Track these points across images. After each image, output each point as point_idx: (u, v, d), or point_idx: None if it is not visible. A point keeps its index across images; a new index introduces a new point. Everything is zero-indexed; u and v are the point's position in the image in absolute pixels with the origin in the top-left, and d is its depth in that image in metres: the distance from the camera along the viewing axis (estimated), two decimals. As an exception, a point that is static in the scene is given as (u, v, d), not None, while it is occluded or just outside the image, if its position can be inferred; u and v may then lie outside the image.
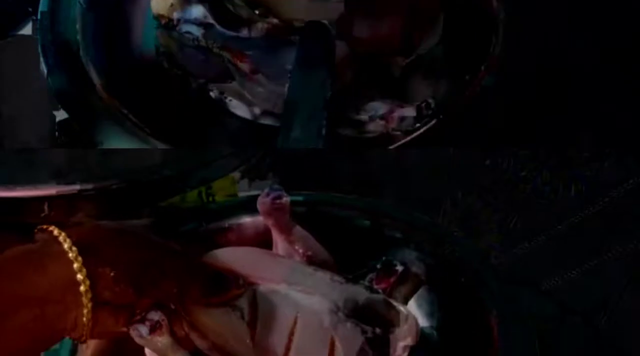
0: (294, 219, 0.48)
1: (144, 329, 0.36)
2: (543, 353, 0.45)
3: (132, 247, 0.34)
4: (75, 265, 0.31)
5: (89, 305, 0.31)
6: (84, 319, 0.32)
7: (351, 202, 0.57)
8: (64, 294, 0.31)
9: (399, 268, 0.48)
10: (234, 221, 0.52)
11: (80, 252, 0.31)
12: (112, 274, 0.32)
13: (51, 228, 0.33)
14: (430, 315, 0.51)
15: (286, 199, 0.46)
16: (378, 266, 0.48)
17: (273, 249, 0.48)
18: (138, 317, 0.37)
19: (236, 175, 0.58)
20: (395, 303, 0.43)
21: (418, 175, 0.65)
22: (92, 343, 0.43)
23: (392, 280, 0.48)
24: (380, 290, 0.47)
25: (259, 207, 0.46)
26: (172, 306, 0.39)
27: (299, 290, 0.40)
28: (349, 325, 0.39)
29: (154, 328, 0.37)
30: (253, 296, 0.39)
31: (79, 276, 0.31)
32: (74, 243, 0.31)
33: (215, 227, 0.52)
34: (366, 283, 0.47)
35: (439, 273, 0.50)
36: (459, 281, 0.48)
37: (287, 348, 0.38)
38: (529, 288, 0.58)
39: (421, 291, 0.50)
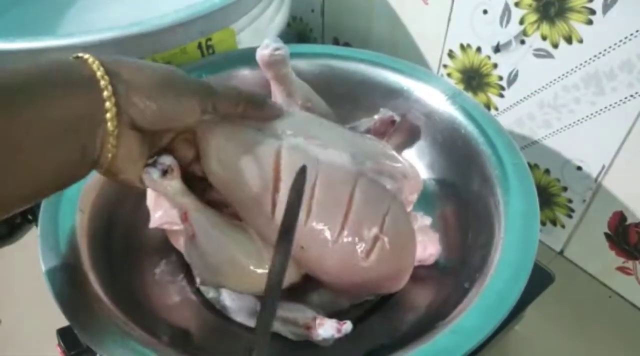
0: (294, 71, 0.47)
1: (155, 172, 0.37)
2: (542, 203, 0.48)
3: (156, 70, 0.34)
4: (102, 83, 0.31)
5: (115, 121, 0.31)
6: (110, 139, 0.32)
7: (352, 53, 0.57)
8: (91, 111, 0.31)
9: (397, 118, 0.49)
10: (233, 73, 0.52)
11: (108, 73, 0.31)
12: (136, 91, 0.32)
13: (86, 56, 0.32)
14: (430, 166, 0.52)
15: (285, 50, 0.45)
16: (376, 116, 0.50)
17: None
18: (150, 161, 0.37)
19: (235, 27, 0.57)
20: (400, 156, 0.44)
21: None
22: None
23: (389, 129, 0.49)
24: (385, 142, 0.48)
25: (258, 59, 0.45)
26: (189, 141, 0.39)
27: (317, 144, 0.40)
28: (368, 177, 0.40)
29: (165, 172, 0.37)
30: (278, 152, 0.39)
31: (105, 93, 0.31)
32: (105, 69, 0.31)
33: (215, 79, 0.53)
34: (366, 133, 0.49)
35: (440, 124, 0.51)
36: (460, 133, 0.49)
37: (310, 200, 0.38)
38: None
39: (421, 142, 0.53)
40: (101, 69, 0.31)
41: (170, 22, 0.51)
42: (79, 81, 0.31)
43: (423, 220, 0.43)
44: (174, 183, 0.38)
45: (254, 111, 0.39)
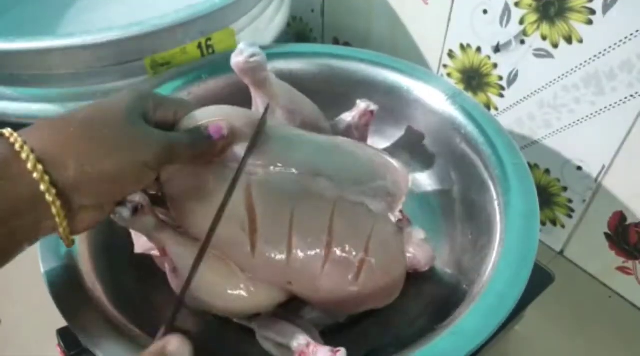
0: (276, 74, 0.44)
1: (125, 211, 0.35)
2: (542, 203, 0.48)
3: (102, 147, 0.31)
4: (43, 187, 0.28)
5: (62, 214, 0.29)
6: (60, 229, 0.30)
7: (352, 53, 0.57)
8: (31, 209, 0.29)
9: (374, 107, 0.48)
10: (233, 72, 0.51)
11: (46, 167, 0.28)
12: (82, 187, 0.30)
13: (8, 134, 0.29)
14: (430, 166, 0.52)
15: (261, 56, 0.42)
16: (354, 110, 0.49)
17: (252, 108, 0.45)
18: (119, 200, 0.35)
19: (235, 27, 0.57)
20: (386, 156, 0.42)
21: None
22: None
23: (370, 120, 0.49)
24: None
25: (232, 65, 0.42)
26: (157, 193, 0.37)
27: (290, 173, 0.37)
28: (348, 201, 0.38)
29: (136, 209, 0.35)
30: (248, 188, 0.36)
31: (48, 198, 0.29)
32: (37, 157, 0.28)
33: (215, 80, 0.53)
34: (348, 128, 0.48)
35: (439, 124, 0.51)
36: (460, 133, 0.49)
37: (290, 236, 0.36)
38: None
39: (421, 142, 0.53)
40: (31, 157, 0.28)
41: (170, 22, 0.51)
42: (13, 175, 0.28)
43: (416, 234, 0.42)
44: (147, 220, 0.37)
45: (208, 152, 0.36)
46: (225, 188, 0.36)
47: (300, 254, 0.36)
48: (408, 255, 0.41)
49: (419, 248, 0.41)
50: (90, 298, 0.36)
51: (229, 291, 0.37)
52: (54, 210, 0.29)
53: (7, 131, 0.30)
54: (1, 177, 0.28)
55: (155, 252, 0.40)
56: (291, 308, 0.41)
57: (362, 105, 0.48)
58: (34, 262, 0.37)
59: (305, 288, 0.38)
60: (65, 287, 0.37)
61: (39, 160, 0.29)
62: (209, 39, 0.55)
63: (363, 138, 0.49)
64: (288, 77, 0.55)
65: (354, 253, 0.37)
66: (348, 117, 0.48)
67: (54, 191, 0.29)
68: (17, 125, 0.54)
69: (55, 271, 0.37)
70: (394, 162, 0.42)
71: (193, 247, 0.37)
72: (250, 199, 0.36)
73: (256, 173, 0.37)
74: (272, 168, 0.38)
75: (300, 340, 0.36)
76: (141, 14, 0.53)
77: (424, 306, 0.42)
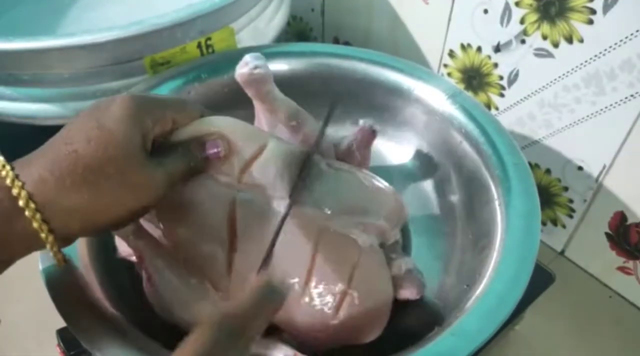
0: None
1: None
2: (543, 203, 0.48)
3: (104, 198, 0.30)
4: (35, 225, 0.28)
5: (54, 247, 0.30)
6: (51, 253, 0.31)
7: (352, 52, 0.56)
8: (22, 240, 0.29)
9: (377, 128, 0.47)
10: (233, 72, 0.51)
11: (42, 214, 0.28)
12: (79, 233, 0.31)
13: (4, 173, 0.29)
14: (430, 166, 0.52)
15: (266, 68, 0.41)
16: (356, 129, 0.47)
17: (255, 121, 0.45)
18: None
19: (235, 26, 0.57)
20: (380, 182, 0.41)
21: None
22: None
23: (372, 140, 0.47)
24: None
25: (236, 76, 0.41)
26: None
27: (279, 196, 0.36)
28: (333, 231, 0.36)
29: None
30: (232, 205, 0.35)
31: (43, 235, 0.29)
32: (29, 196, 0.28)
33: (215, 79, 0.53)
34: (350, 147, 0.46)
35: (440, 123, 0.50)
36: (460, 133, 0.48)
37: (269, 259, 0.34)
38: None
39: (422, 143, 0.53)
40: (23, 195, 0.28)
41: (170, 22, 0.51)
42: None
43: (405, 264, 0.40)
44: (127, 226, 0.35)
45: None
46: (212, 200, 0.35)
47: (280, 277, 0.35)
48: (397, 286, 0.39)
49: (407, 279, 0.40)
50: (89, 298, 0.36)
51: (200, 308, 0.36)
52: (47, 245, 0.30)
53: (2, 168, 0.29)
54: None
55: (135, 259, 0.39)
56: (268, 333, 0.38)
57: (365, 125, 0.47)
58: (34, 262, 0.37)
59: (281, 317, 0.35)
60: (64, 287, 0.36)
61: (35, 205, 0.28)
62: (209, 39, 0.55)
63: (364, 160, 0.47)
64: (288, 77, 0.55)
65: (335, 284, 0.35)
66: (351, 136, 0.47)
67: (51, 238, 0.29)
68: (17, 125, 0.54)
69: (54, 271, 0.37)
70: (391, 195, 0.41)
71: (170, 259, 0.36)
72: (234, 216, 0.35)
73: (243, 190, 0.36)
74: (262, 188, 0.36)
75: (287, 351, 0.35)
76: (141, 13, 0.52)
77: (424, 307, 0.42)
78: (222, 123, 0.36)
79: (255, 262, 0.34)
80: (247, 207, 0.35)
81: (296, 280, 0.35)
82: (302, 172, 0.37)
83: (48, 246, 0.30)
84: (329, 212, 0.37)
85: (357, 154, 0.47)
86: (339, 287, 0.35)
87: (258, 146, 0.37)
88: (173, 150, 0.34)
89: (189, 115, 0.36)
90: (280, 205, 0.36)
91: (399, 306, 0.40)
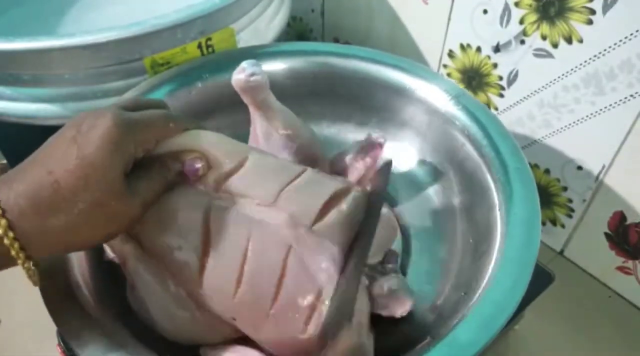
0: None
1: None
2: (543, 203, 0.47)
3: (84, 225, 0.30)
4: (6, 242, 0.29)
5: (27, 265, 0.30)
6: (27, 274, 0.31)
7: (354, 51, 0.56)
8: None
9: (383, 141, 0.45)
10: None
11: (15, 233, 0.29)
12: (52, 251, 0.31)
13: None
14: (431, 168, 0.52)
15: (263, 76, 0.41)
16: (363, 140, 0.46)
17: (251, 127, 0.45)
18: None
19: (236, 27, 0.57)
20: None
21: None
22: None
23: (378, 152, 0.45)
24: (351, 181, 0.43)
25: (233, 83, 0.41)
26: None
27: (256, 203, 0.35)
28: (310, 240, 0.34)
29: None
30: (208, 211, 0.35)
31: (13, 254, 0.29)
32: (9, 224, 0.29)
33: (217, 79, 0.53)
34: (355, 155, 0.45)
35: (443, 125, 0.50)
36: (463, 135, 0.48)
37: (240, 274, 0.34)
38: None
39: (424, 144, 0.52)
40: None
41: (170, 22, 0.51)
42: None
43: (387, 284, 0.39)
44: None
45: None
46: (188, 206, 0.35)
47: (249, 288, 0.34)
48: (381, 306, 0.39)
49: (391, 298, 0.39)
50: (82, 303, 0.36)
51: (178, 315, 0.36)
52: (20, 265, 0.30)
53: None
54: None
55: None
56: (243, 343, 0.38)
57: (372, 136, 0.45)
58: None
59: (250, 327, 0.35)
60: (58, 291, 0.36)
61: (14, 234, 0.29)
62: (209, 39, 0.55)
63: (369, 170, 0.45)
64: (290, 77, 0.55)
65: (304, 296, 0.33)
66: (357, 145, 0.46)
67: (24, 257, 0.30)
68: (17, 125, 0.54)
69: (49, 273, 0.37)
70: (385, 219, 0.39)
71: (153, 266, 0.36)
72: (208, 221, 0.35)
73: (219, 198, 0.35)
74: (238, 195, 0.35)
75: None
76: (141, 14, 0.53)
77: (419, 314, 0.41)
78: (204, 140, 0.36)
79: (227, 268, 0.34)
80: (222, 212, 0.35)
81: (266, 288, 0.34)
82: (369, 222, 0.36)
83: (20, 262, 0.30)
84: (304, 222, 0.35)
85: (362, 164, 0.45)
86: (309, 299, 0.33)
87: (238, 161, 0.36)
88: (151, 167, 0.34)
89: (173, 131, 0.35)
90: (254, 211, 0.35)
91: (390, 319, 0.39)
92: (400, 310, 0.39)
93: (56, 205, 0.29)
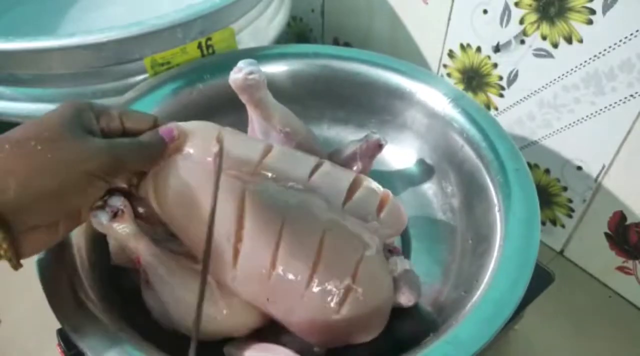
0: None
1: (103, 215, 0.34)
2: (542, 203, 0.47)
3: (39, 163, 0.30)
4: None
5: (6, 238, 0.29)
6: (2, 251, 0.29)
7: (354, 54, 0.56)
8: None
9: (384, 142, 0.46)
10: None
11: None
12: (24, 207, 0.29)
13: None
14: (431, 170, 0.52)
15: (260, 75, 0.41)
16: (363, 139, 0.47)
17: (249, 126, 0.45)
18: (100, 203, 0.34)
19: (235, 27, 0.57)
20: (377, 186, 0.41)
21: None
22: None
23: (376, 153, 0.47)
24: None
25: (230, 82, 0.42)
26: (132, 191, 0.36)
27: (288, 187, 0.36)
28: (341, 225, 0.36)
29: (115, 214, 0.35)
30: (242, 196, 0.35)
31: None
32: None
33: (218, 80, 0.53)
34: (353, 155, 0.46)
35: (442, 127, 0.50)
36: (462, 137, 0.48)
37: (275, 250, 0.35)
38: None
39: (423, 145, 0.53)
40: None
41: (170, 22, 0.51)
42: None
43: (403, 265, 0.40)
44: (125, 227, 0.36)
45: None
46: (221, 194, 0.35)
47: (284, 271, 0.34)
48: (395, 288, 0.39)
49: (404, 282, 0.39)
50: (85, 298, 0.36)
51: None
52: None
53: None
54: None
55: (131, 265, 0.39)
56: (267, 335, 0.39)
57: (372, 137, 0.46)
58: (34, 262, 0.37)
59: (284, 309, 0.36)
60: (60, 287, 0.36)
61: None
62: (209, 39, 0.55)
63: (365, 170, 0.47)
64: (289, 79, 0.55)
65: (340, 278, 0.34)
66: (355, 144, 0.47)
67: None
68: (17, 125, 0.54)
69: (50, 271, 0.37)
70: (391, 200, 0.40)
71: (168, 260, 0.37)
72: (242, 208, 0.35)
73: (253, 182, 0.36)
74: (270, 179, 0.36)
75: (288, 354, 0.34)
76: (141, 14, 0.53)
77: (420, 312, 0.41)
78: (226, 137, 0.37)
79: (262, 251, 0.35)
80: (256, 197, 0.35)
81: (301, 270, 0.35)
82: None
83: None
84: (336, 206, 0.37)
85: (360, 163, 0.46)
86: (345, 282, 0.34)
87: (263, 149, 0.38)
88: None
89: (141, 118, 0.36)
90: (288, 195, 0.36)
91: (395, 313, 0.39)
92: (412, 296, 0.39)
93: (19, 153, 0.30)
